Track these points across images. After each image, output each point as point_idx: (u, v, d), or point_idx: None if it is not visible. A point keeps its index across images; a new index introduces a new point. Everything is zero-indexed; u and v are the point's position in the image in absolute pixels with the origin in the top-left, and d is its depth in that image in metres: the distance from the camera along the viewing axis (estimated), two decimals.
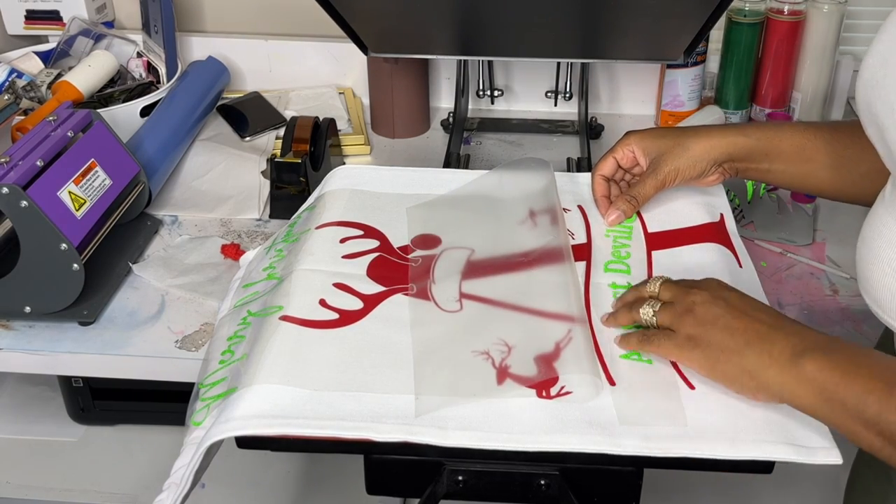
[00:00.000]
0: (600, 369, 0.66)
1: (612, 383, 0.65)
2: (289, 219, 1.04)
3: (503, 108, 1.33)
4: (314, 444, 0.62)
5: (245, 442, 0.62)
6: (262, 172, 1.11)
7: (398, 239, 0.81)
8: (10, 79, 1.17)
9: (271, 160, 1.03)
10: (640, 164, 0.84)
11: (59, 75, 1.18)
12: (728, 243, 0.80)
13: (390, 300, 0.73)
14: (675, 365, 0.66)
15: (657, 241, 0.82)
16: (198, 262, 0.95)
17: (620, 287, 0.75)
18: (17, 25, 1.30)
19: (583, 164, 1.13)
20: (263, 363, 0.65)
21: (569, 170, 1.14)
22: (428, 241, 0.81)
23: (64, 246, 0.81)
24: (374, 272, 0.76)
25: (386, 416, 0.61)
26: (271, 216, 1.04)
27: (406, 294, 0.74)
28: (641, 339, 0.66)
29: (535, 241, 0.81)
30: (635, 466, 0.62)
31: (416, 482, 0.64)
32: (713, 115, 1.23)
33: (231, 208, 1.05)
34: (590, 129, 1.21)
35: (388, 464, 0.64)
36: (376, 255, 0.79)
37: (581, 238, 0.82)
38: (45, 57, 1.24)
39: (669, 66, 1.22)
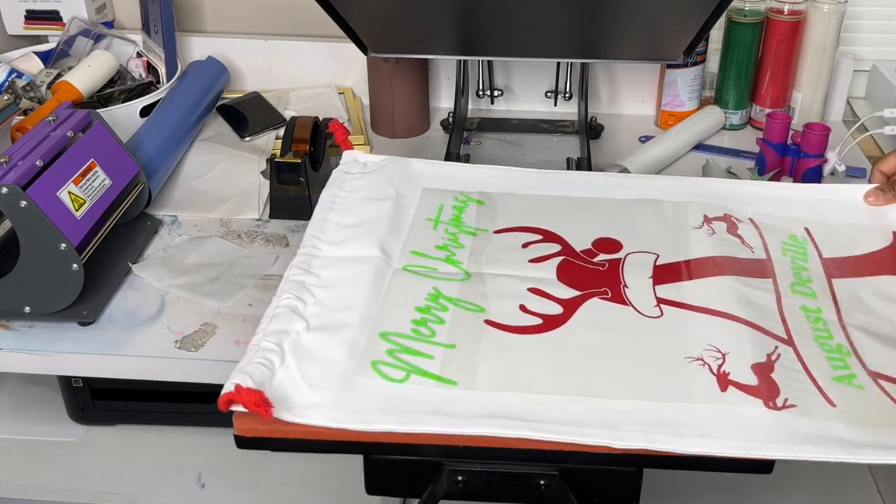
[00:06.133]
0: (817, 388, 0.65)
1: (833, 405, 0.63)
2: (289, 219, 1.03)
3: (503, 108, 1.33)
4: (313, 445, 0.62)
5: (245, 442, 0.62)
6: (262, 172, 1.11)
7: (577, 242, 0.81)
8: (9, 79, 1.17)
9: (271, 160, 1.03)
10: None
11: (58, 75, 1.18)
12: None
13: (588, 304, 0.73)
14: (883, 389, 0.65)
15: (835, 268, 0.79)
16: (198, 262, 0.95)
17: (812, 311, 0.73)
18: (16, 25, 1.30)
19: (582, 164, 1.13)
20: (480, 367, 0.65)
21: (569, 169, 1.14)
22: (610, 244, 0.81)
23: (63, 246, 0.81)
24: (564, 276, 0.76)
25: (620, 422, 0.60)
26: (271, 216, 1.04)
27: (602, 298, 0.74)
28: None
29: (715, 248, 0.79)
30: (635, 466, 0.62)
31: (416, 482, 0.64)
32: (713, 115, 1.23)
33: (231, 208, 1.05)
34: (590, 129, 1.21)
35: (388, 464, 0.64)
36: (561, 258, 0.79)
37: (760, 253, 0.80)
38: (45, 57, 1.24)
39: (669, 66, 1.22)
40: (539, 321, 0.71)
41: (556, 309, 0.72)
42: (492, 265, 0.78)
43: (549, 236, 0.82)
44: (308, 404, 0.62)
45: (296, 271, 0.75)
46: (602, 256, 0.79)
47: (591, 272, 0.77)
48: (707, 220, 0.83)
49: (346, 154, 0.92)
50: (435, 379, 0.65)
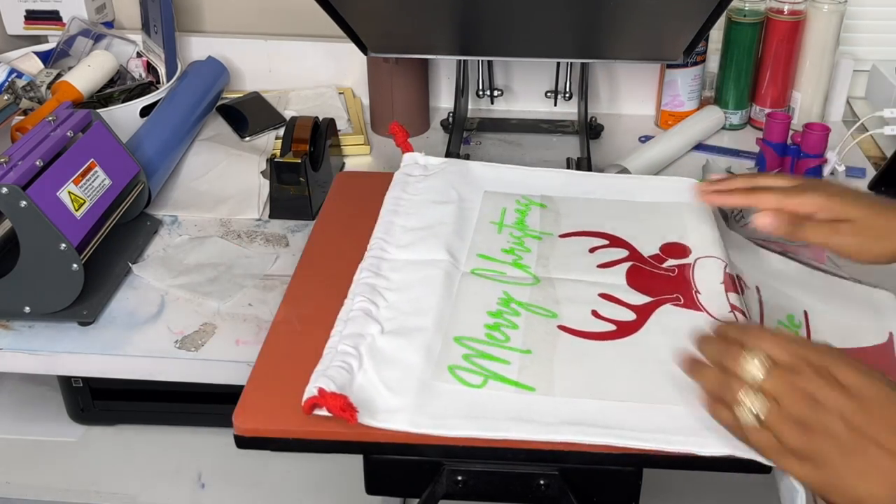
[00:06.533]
0: None
1: None
2: (289, 219, 1.03)
3: (503, 108, 1.33)
4: (313, 445, 0.62)
5: (245, 442, 0.62)
6: (262, 172, 1.11)
7: (645, 248, 0.80)
8: (9, 79, 1.17)
9: (271, 160, 1.03)
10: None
11: (58, 75, 1.18)
12: (894, 368, 0.76)
13: (661, 310, 0.73)
14: None
15: None
16: (197, 262, 0.95)
17: None
18: (16, 25, 1.30)
19: (582, 164, 1.13)
20: (557, 373, 0.65)
21: (568, 168, 1.14)
22: (677, 249, 0.80)
23: (63, 246, 0.81)
24: (634, 282, 0.76)
25: (702, 430, 0.60)
26: (271, 216, 1.04)
27: (674, 304, 0.73)
28: (734, 425, 0.57)
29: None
30: (635, 466, 0.62)
31: (416, 482, 0.64)
32: (713, 115, 1.23)
33: (231, 208, 1.05)
34: (590, 129, 1.21)
35: (388, 464, 0.64)
36: (630, 264, 0.78)
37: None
38: (45, 57, 1.24)
39: (669, 66, 1.22)
40: (613, 327, 0.71)
41: (629, 315, 0.72)
42: (560, 270, 0.77)
43: (615, 241, 0.81)
44: (390, 409, 0.61)
45: (366, 274, 0.75)
46: (671, 262, 0.78)
47: (662, 278, 0.76)
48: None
49: (407, 156, 0.91)
50: (513, 385, 0.64)
